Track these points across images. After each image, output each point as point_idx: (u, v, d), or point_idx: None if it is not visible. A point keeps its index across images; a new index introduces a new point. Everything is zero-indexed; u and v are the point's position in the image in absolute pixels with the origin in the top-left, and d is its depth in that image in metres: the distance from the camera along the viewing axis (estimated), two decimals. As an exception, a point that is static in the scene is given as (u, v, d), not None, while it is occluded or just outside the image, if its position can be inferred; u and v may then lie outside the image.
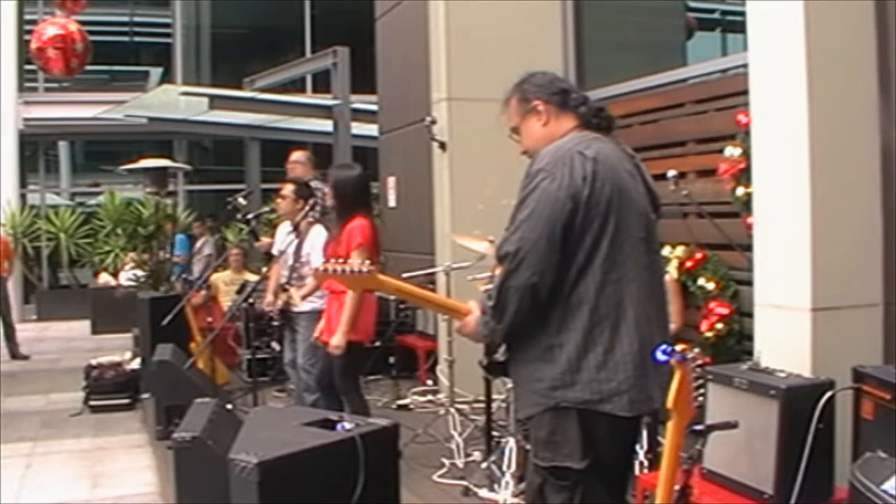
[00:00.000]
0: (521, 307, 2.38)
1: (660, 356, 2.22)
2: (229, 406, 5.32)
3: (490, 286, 2.49)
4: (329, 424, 3.18)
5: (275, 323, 5.50)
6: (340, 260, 2.58)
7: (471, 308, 2.54)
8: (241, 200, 6.82)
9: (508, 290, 2.35)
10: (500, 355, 2.64)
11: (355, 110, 10.72)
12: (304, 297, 5.12)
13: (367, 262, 2.58)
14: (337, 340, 4.55)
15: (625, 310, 2.37)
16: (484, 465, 4.62)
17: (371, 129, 9.59)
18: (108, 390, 7.04)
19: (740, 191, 4.56)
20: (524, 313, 2.38)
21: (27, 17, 14.81)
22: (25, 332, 11.41)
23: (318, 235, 5.18)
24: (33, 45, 10.08)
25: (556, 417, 2.39)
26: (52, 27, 10.03)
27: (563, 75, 2.71)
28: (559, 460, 2.39)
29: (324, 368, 4.87)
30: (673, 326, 4.86)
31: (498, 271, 2.41)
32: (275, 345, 7.59)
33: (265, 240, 6.67)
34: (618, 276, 2.37)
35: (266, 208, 7.27)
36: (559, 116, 2.55)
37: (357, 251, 4.59)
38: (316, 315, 4.95)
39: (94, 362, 7.34)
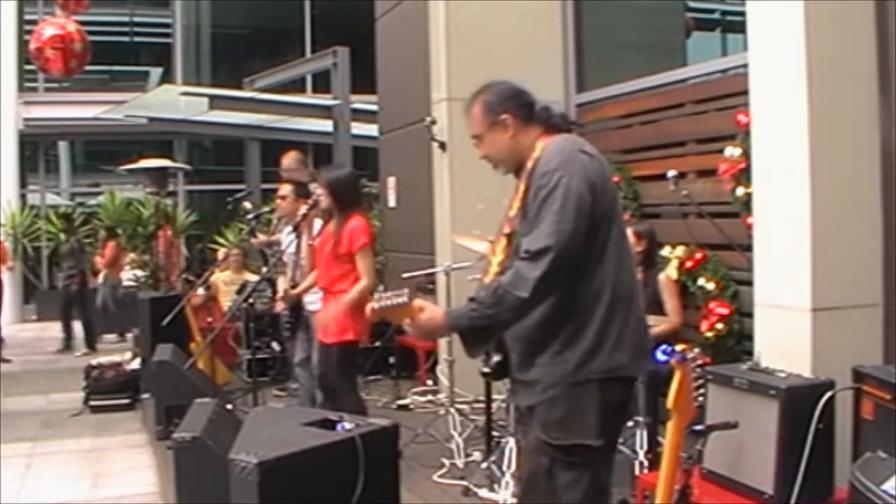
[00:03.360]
0: (547, 298, 2.48)
1: (660, 356, 2.23)
2: (229, 406, 5.32)
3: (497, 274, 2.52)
4: (329, 424, 3.18)
5: (286, 323, 5.53)
6: (388, 294, 2.55)
7: (421, 305, 2.55)
8: (247, 205, 6.85)
9: (547, 284, 2.40)
10: (492, 359, 2.66)
11: (355, 110, 10.72)
12: (296, 294, 5.16)
13: (406, 290, 2.55)
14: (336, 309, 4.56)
15: (632, 288, 2.58)
16: (484, 465, 4.62)
17: (371, 129, 9.58)
18: (108, 390, 7.03)
19: (740, 191, 4.56)
20: (543, 303, 2.50)
21: (27, 17, 14.80)
22: (25, 332, 11.43)
23: (315, 229, 5.19)
24: (32, 46, 10.07)
25: (575, 397, 2.49)
26: (50, 27, 10.01)
27: (520, 85, 2.76)
28: (576, 438, 2.48)
29: (324, 371, 4.86)
30: (670, 325, 4.87)
31: (523, 266, 2.41)
32: (275, 345, 7.64)
33: (261, 237, 6.68)
34: (626, 256, 2.59)
35: (266, 208, 7.27)
36: (526, 128, 2.65)
37: (361, 252, 4.58)
38: None
39: (94, 362, 7.34)
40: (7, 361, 9.78)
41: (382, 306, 2.53)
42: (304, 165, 6.73)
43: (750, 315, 4.30)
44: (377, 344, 7.22)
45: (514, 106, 2.66)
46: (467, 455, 4.95)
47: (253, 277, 7.68)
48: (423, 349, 7.25)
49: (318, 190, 4.85)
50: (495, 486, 4.38)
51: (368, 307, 2.62)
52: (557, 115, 2.72)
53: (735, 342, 4.77)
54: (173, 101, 12.37)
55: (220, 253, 9.93)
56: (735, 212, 4.73)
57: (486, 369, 2.95)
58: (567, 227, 2.40)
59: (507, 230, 2.63)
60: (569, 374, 2.49)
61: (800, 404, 3.15)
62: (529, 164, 2.57)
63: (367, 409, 4.82)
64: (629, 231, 3.21)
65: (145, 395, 6.86)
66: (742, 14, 4.17)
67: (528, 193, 2.52)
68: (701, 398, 2.39)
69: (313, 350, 5.12)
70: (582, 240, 2.43)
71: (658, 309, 4.79)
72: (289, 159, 6.67)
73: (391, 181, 8.55)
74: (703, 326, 4.83)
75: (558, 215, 2.41)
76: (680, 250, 5.11)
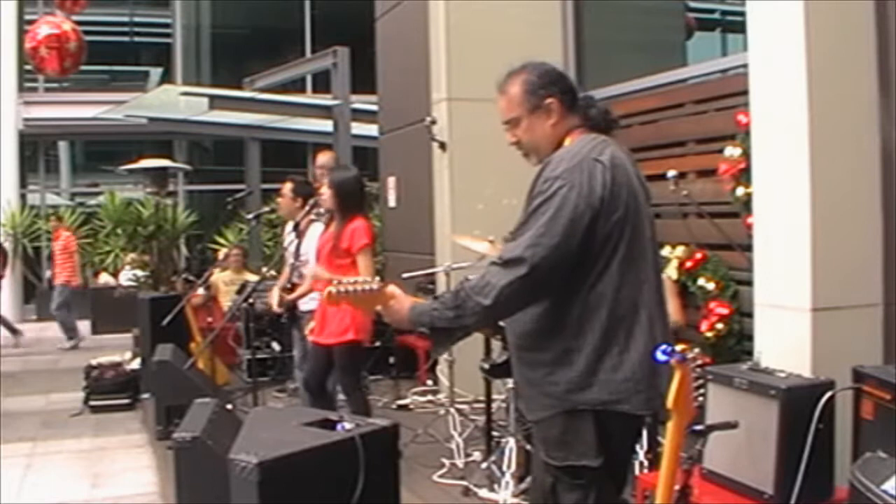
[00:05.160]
0: (515, 311, 2.38)
1: (660, 356, 2.22)
2: (229, 406, 5.32)
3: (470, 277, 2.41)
4: (329, 424, 3.18)
5: (282, 321, 5.52)
6: (350, 279, 2.44)
7: (393, 292, 2.43)
8: (249, 216, 6.79)
9: (511, 295, 2.28)
10: (499, 357, 2.63)
11: (355, 110, 10.71)
12: (298, 298, 5.14)
13: (377, 279, 2.47)
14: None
15: (639, 310, 2.36)
16: (484, 465, 4.62)
17: (371, 129, 9.58)
18: (108, 390, 7.04)
19: (740, 191, 4.56)
20: (511, 315, 2.40)
21: (27, 17, 14.80)
22: (25, 331, 11.43)
23: (316, 233, 5.18)
24: (27, 45, 10.07)
25: (569, 419, 2.36)
26: (45, 26, 10.01)
27: (562, 69, 2.60)
28: (573, 459, 2.37)
29: (313, 370, 4.84)
30: (673, 325, 4.87)
31: (492, 272, 2.31)
32: (275, 345, 7.64)
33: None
34: (633, 278, 2.36)
35: (266, 208, 7.27)
36: (567, 116, 2.47)
37: (362, 252, 4.58)
38: None
39: (94, 362, 7.34)
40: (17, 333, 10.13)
41: (342, 291, 2.39)
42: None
43: (750, 315, 4.30)
44: (377, 344, 7.23)
45: (559, 91, 2.46)
46: (467, 455, 4.96)
47: (253, 277, 7.67)
48: (423, 349, 7.25)
49: (322, 190, 4.84)
50: (495, 486, 4.39)
51: (326, 290, 2.43)
52: (599, 110, 2.51)
53: (735, 342, 4.77)
54: (173, 101, 12.36)
55: (220, 253, 9.93)
56: (735, 212, 4.73)
57: (486, 366, 2.94)
58: (550, 242, 2.24)
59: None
60: (558, 398, 2.36)
61: (800, 404, 3.14)
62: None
63: (371, 409, 4.83)
64: None
65: (145, 395, 6.86)
66: (742, 14, 4.16)
67: (531, 195, 2.36)
68: (701, 398, 2.38)
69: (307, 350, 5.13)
70: (568, 257, 2.27)
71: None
72: (326, 157, 6.17)
73: (391, 181, 8.55)
74: (703, 326, 4.82)
75: (545, 227, 2.25)
76: (680, 250, 5.11)
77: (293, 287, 5.37)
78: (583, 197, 2.27)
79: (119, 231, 12.01)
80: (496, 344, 4.43)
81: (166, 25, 17.16)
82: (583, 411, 2.35)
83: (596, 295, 2.32)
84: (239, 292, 7.63)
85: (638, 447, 4.02)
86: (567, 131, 2.47)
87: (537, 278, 2.26)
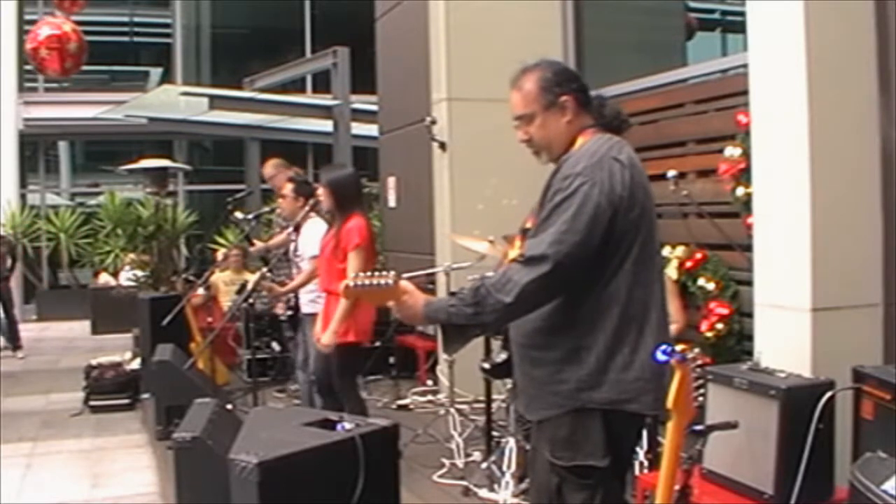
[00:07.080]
0: (535, 308, 2.36)
1: (660, 356, 2.22)
2: (229, 406, 5.32)
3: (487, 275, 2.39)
4: (329, 424, 3.18)
5: (282, 320, 5.54)
6: (368, 273, 2.41)
7: (406, 287, 2.41)
8: (238, 215, 6.83)
9: (534, 293, 2.27)
10: (498, 356, 2.62)
11: (355, 110, 10.72)
12: (291, 290, 5.18)
13: (393, 273, 2.42)
14: (326, 339, 4.53)
15: (650, 310, 2.38)
16: (484, 465, 4.62)
17: (371, 129, 9.58)
18: (108, 390, 7.04)
19: (740, 191, 4.57)
20: (530, 313, 2.37)
21: (27, 17, 14.80)
22: (26, 332, 11.42)
23: (313, 227, 5.19)
24: (28, 46, 10.10)
25: (577, 418, 2.36)
26: (46, 27, 10.04)
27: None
28: (581, 459, 2.37)
29: (323, 370, 4.85)
30: (676, 326, 4.87)
31: (514, 269, 2.29)
32: (275, 345, 7.64)
33: (258, 244, 6.67)
34: (645, 278, 2.37)
35: (266, 208, 7.27)
36: (581, 115, 2.46)
37: (354, 252, 4.57)
38: None
39: (94, 362, 7.34)
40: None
41: (359, 285, 2.37)
42: (284, 167, 6.71)
43: (750, 315, 4.30)
44: (377, 344, 7.23)
45: (574, 89, 2.45)
46: (467, 455, 4.96)
47: (253, 277, 7.66)
48: (423, 349, 7.25)
49: (319, 191, 4.87)
50: (495, 486, 4.39)
51: (343, 284, 2.42)
52: (612, 110, 2.52)
53: (735, 342, 4.77)
54: (173, 101, 12.37)
55: (220, 253, 9.92)
56: (735, 212, 4.74)
57: (486, 366, 2.93)
58: (573, 239, 2.24)
59: (528, 225, 2.46)
60: (567, 397, 2.35)
61: (800, 404, 3.15)
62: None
63: (367, 409, 4.82)
64: None
65: (145, 395, 6.86)
66: (742, 14, 4.17)
67: (547, 193, 2.36)
68: (701, 398, 2.38)
69: (310, 352, 5.12)
70: (589, 254, 2.27)
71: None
72: (268, 168, 6.74)
73: (391, 181, 8.55)
74: (703, 326, 4.83)
75: (568, 224, 2.24)
76: (680, 250, 5.11)
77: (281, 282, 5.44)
78: (604, 194, 2.28)
79: (119, 231, 11.98)
80: (496, 343, 4.44)
81: (166, 25, 17.15)
82: (592, 410, 2.35)
83: (609, 293, 2.33)
84: (239, 292, 7.62)
85: (638, 447, 4.03)
86: (580, 130, 2.47)
87: (561, 275, 2.26)
